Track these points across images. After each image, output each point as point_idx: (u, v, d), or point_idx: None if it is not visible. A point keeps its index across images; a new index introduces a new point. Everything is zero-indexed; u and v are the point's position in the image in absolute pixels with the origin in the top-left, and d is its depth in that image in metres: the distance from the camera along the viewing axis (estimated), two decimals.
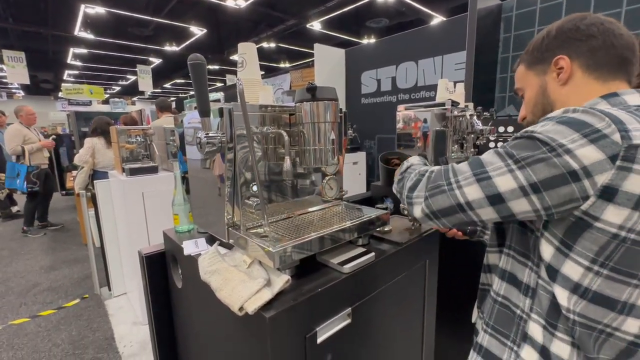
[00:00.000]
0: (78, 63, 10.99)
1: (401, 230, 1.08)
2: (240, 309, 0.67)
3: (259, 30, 8.06)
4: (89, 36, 7.75)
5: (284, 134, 0.83)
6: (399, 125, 1.67)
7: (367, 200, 1.59)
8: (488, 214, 0.51)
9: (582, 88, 0.57)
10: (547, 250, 0.51)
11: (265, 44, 8.88)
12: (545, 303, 0.53)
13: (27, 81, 6.54)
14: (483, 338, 0.67)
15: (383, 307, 0.92)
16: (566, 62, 0.58)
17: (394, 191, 0.69)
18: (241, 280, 0.72)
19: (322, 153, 0.82)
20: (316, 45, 3.61)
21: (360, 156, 3.60)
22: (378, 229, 0.99)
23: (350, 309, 0.80)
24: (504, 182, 0.48)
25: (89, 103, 10.24)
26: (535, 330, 0.55)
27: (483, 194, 0.50)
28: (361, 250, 0.89)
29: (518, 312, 0.59)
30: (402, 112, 1.66)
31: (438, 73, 3.00)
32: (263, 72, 11.13)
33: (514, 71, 0.71)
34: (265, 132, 0.85)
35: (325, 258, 0.84)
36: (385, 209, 1.12)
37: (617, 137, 0.43)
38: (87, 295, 2.69)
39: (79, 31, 7.41)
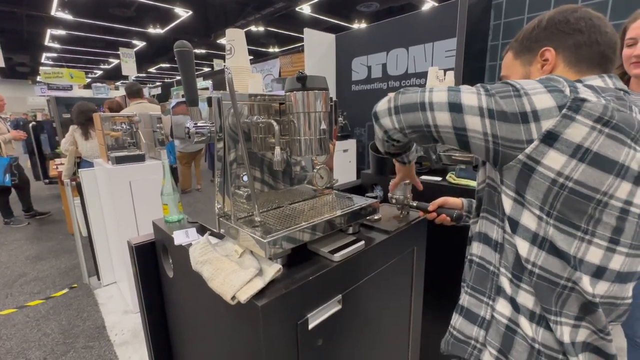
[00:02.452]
0: (56, 45, 10.50)
1: (390, 219, 1.10)
2: (233, 298, 0.68)
3: (246, 13, 7.82)
4: (67, 17, 7.38)
5: (274, 123, 0.82)
6: None
7: (358, 188, 1.61)
8: (443, 119, 0.54)
9: None
10: (507, 203, 0.54)
11: (253, 28, 8.63)
12: (510, 257, 0.56)
13: (1, 64, 6.21)
14: (464, 299, 0.70)
15: (372, 293, 0.95)
16: (551, 54, 0.60)
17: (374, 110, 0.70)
18: (233, 269, 0.73)
19: (312, 142, 0.82)
20: (306, 30, 3.53)
21: (351, 144, 3.60)
22: (368, 218, 1.01)
23: (340, 295, 0.82)
24: (469, 98, 0.52)
25: (70, 88, 9.83)
26: (505, 282, 0.58)
27: (446, 100, 0.54)
28: (351, 238, 0.91)
29: (491, 268, 0.62)
30: None
31: (429, 60, 2.99)
32: (252, 57, 10.84)
33: (502, 58, 0.72)
34: (255, 122, 0.84)
35: (316, 247, 0.86)
36: (375, 197, 1.14)
37: (567, 91, 0.48)
38: (75, 285, 2.67)
39: (56, 11, 7.03)
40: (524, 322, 0.56)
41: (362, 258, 0.89)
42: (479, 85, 0.55)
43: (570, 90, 0.48)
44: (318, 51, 3.66)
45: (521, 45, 0.65)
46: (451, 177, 1.43)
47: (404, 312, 1.15)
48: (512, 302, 0.57)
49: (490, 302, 0.62)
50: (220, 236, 0.89)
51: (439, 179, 1.47)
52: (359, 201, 0.99)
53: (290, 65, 5.54)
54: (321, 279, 0.77)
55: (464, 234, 0.80)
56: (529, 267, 0.53)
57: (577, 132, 0.46)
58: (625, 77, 1.20)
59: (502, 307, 0.59)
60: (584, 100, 0.47)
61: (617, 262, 0.51)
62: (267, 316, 0.66)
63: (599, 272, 0.51)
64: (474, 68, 2.61)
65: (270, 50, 11.48)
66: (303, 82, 0.76)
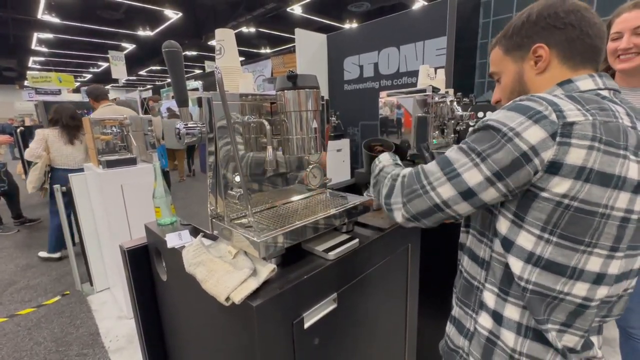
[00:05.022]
0: (44, 49, 10.33)
1: (384, 216, 1.10)
2: (227, 299, 0.67)
3: (237, 14, 7.78)
4: (54, 20, 7.27)
5: (266, 123, 0.82)
6: (382, 111, 1.68)
7: (351, 188, 1.61)
8: (464, 208, 0.55)
9: (557, 77, 0.59)
10: (503, 225, 0.55)
11: (244, 29, 8.60)
12: (498, 273, 0.59)
13: None
14: (455, 310, 0.73)
15: (368, 291, 0.95)
16: (545, 51, 0.59)
17: (371, 192, 0.70)
18: (227, 270, 0.72)
19: (304, 142, 0.82)
20: (297, 30, 3.53)
21: (344, 143, 3.61)
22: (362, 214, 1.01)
23: (336, 294, 0.82)
24: (472, 177, 0.52)
25: (58, 92, 9.68)
26: (488, 297, 0.61)
27: (456, 191, 0.53)
28: (346, 236, 0.91)
29: (475, 283, 0.65)
30: (384, 98, 1.67)
31: (420, 59, 3.01)
32: (243, 58, 10.82)
33: (489, 53, 0.71)
34: (246, 122, 0.84)
35: (310, 246, 0.85)
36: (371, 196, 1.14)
37: (553, 117, 0.48)
38: (68, 292, 2.62)
39: (42, 14, 6.92)
40: (506, 335, 0.58)
41: (357, 256, 0.89)
42: (465, 148, 0.54)
43: (557, 116, 0.48)
44: (310, 51, 3.66)
45: (511, 42, 0.64)
46: None
47: (400, 309, 1.15)
48: (495, 315, 0.60)
49: (474, 315, 0.65)
50: (213, 237, 0.89)
51: None
52: (353, 199, 0.99)
53: (282, 66, 5.53)
54: (316, 277, 0.76)
55: (459, 231, 0.80)
56: (522, 284, 0.54)
57: (577, 155, 0.46)
58: (610, 72, 1.22)
59: (484, 321, 0.62)
60: (572, 123, 0.47)
61: (615, 267, 0.52)
62: (262, 316, 0.66)
63: (598, 279, 0.52)
64: (464, 66, 2.63)
65: (262, 51, 11.45)
66: (294, 80, 0.76)
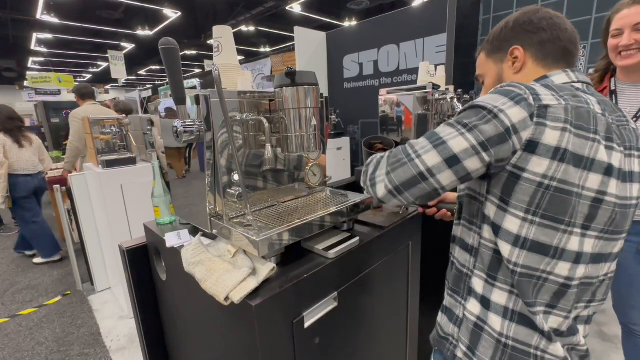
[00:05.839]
0: (43, 49, 10.31)
1: (386, 214, 1.09)
2: (226, 298, 0.67)
3: (236, 13, 7.76)
4: (54, 20, 7.25)
5: (264, 120, 0.81)
6: (382, 109, 1.67)
7: (352, 186, 1.60)
8: (447, 177, 0.55)
9: (532, 76, 0.65)
10: (491, 210, 0.58)
11: (243, 28, 8.58)
12: (486, 259, 0.61)
13: None
14: (446, 300, 0.75)
15: (369, 289, 0.94)
16: (520, 52, 0.66)
17: (362, 184, 0.70)
18: (226, 270, 0.72)
19: (304, 139, 0.81)
20: (296, 29, 3.52)
21: (344, 141, 3.60)
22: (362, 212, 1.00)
23: (336, 293, 0.82)
24: (458, 144, 0.53)
25: (58, 92, 9.67)
26: (477, 283, 0.63)
27: (441, 158, 0.54)
28: (346, 235, 0.90)
29: (465, 270, 0.67)
30: (384, 96, 1.66)
31: (419, 56, 2.99)
32: (243, 57, 10.80)
33: (475, 58, 0.77)
34: (244, 120, 0.83)
35: (310, 244, 0.85)
36: None
37: (531, 99, 0.52)
38: (69, 292, 2.62)
39: (41, 14, 6.91)
40: (494, 319, 0.60)
41: (357, 254, 0.88)
42: (452, 122, 0.56)
43: (534, 99, 0.52)
44: (309, 49, 3.65)
45: (492, 46, 0.71)
46: None
47: (401, 308, 1.15)
48: (483, 300, 0.62)
49: (463, 302, 0.67)
50: (212, 237, 0.88)
51: None
52: (353, 197, 0.99)
53: (282, 64, 5.51)
54: (316, 276, 0.76)
55: None
56: (511, 267, 0.56)
57: (552, 136, 0.50)
58: (611, 67, 1.21)
59: (472, 307, 0.64)
60: (547, 106, 0.51)
61: (589, 246, 0.55)
62: (262, 316, 0.65)
63: (577, 258, 0.55)
64: (464, 63, 2.62)
65: (262, 50, 11.42)
66: (292, 77, 0.75)
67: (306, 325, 0.74)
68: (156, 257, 1.02)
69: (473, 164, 0.53)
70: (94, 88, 3.13)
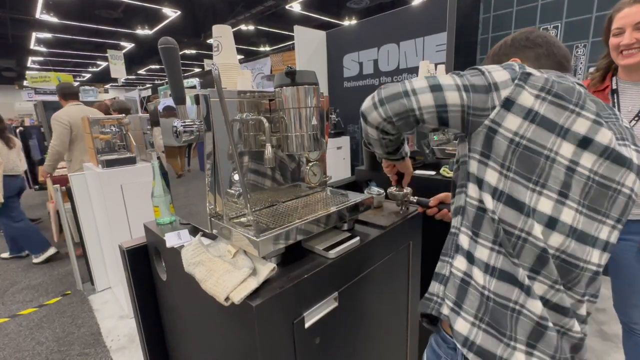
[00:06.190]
0: (42, 49, 10.31)
1: (386, 214, 1.09)
2: (227, 299, 0.66)
3: (236, 12, 7.74)
4: (53, 19, 7.24)
5: (264, 120, 0.80)
6: None
7: (352, 185, 1.60)
8: (427, 100, 0.61)
9: None
10: (474, 166, 0.62)
11: (243, 27, 8.56)
12: (471, 215, 0.64)
13: None
14: (437, 267, 0.76)
15: (369, 289, 0.94)
16: (518, 63, 0.69)
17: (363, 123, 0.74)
18: (226, 270, 0.71)
19: (304, 139, 0.81)
20: (296, 28, 3.51)
21: (344, 141, 3.60)
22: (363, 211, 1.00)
23: (336, 292, 0.81)
24: (446, 80, 0.61)
25: None
26: (463, 240, 0.65)
27: (427, 84, 0.62)
28: (346, 235, 0.90)
29: (453, 230, 0.70)
30: None
31: (419, 55, 2.99)
32: (243, 57, 10.78)
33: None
34: (244, 119, 0.83)
35: (310, 244, 0.85)
36: (379, 194, 1.14)
37: (517, 67, 0.59)
38: (69, 292, 2.62)
39: (40, 14, 6.89)
40: (477, 273, 0.62)
41: (358, 254, 0.88)
42: (451, 72, 0.64)
43: (519, 67, 0.59)
44: (309, 48, 3.64)
45: (492, 61, 0.78)
46: (445, 171, 1.43)
47: (402, 308, 1.14)
48: (469, 256, 0.64)
49: (450, 260, 0.69)
50: (212, 237, 0.88)
51: (433, 173, 1.47)
52: (353, 197, 0.98)
53: (282, 64, 5.51)
54: (316, 276, 0.76)
55: None
56: (492, 215, 0.60)
57: (527, 98, 0.56)
58: (612, 66, 1.21)
59: (459, 263, 0.66)
60: (529, 74, 0.58)
61: (568, 216, 0.57)
62: (262, 316, 0.65)
63: (551, 223, 0.57)
64: (465, 62, 2.61)
65: (261, 49, 11.40)
66: (292, 77, 0.75)
67: (306, 325, 0.74)
68: (156, 257, 1.02)
69: (452, 97, 0.59)
70: (79, 87, 3.09)
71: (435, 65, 1.99)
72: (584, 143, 0.56)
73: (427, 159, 1.58)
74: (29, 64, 12.40)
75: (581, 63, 2.26)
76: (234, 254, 0.77)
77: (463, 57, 2.58)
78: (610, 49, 1.15)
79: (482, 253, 0.61)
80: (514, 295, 0.59)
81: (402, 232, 1.06)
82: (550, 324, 0.58)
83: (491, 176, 0.59)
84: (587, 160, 0.56)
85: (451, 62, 2.53)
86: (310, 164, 1.03)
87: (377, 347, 1.04)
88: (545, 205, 0.57)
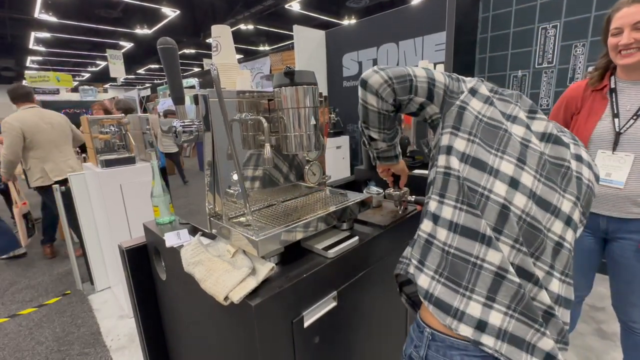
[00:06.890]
0: (41, 48, 10.28)
1: (385, 214, 1.09)
2: (226, 298, 0.67)
3: (235, 11, 7.73)
4: (52, 19, 7.23)
5: (263, 120, 0.81)
6: None
7: (351, 184, 1.60)
8: (421, 72, 0.74)
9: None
10: (446, 139, 0.71)
11: (242, 26, 8.55)
12: (439, 182, 0.71)
13: None
14: None
15: (368, 288, 0.94)
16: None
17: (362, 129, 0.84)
18: (225, 270, 0.72)
19: (303, 139, 0.81)
20: (295, 27, 3.51)
21: (344, 140, 3.59)
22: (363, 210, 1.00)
23: (335, 292, 0.82)
24: (438, 75, 0.75)
25: (57, 91, 9.65)
26: (432, 205, 0.71)
27: (425, 74, 0.74)
28: (345, 234, 0.90)
29: (426, 199, 0.76)
30: None
31: (419, 54, 2.99)
32: (242, 56, 10.76)
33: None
34: (243, 119, 0.83)
35: (309, 244, 0.85)
36: (378, 193, 1.14)
37: (480, 80, 0.77)
38: (69, 292, 2.62)
39: (39, 13, 6.88)
40: (440, 232, 0.68)
41: (357, 254, 0.88)
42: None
43: (482, 79, 0.75)
44: (308, 48, 3.64)
45: None
46: None
47: (401, 307, 1.15)
48: (434, 217, 0.69)
49: (420, 225, 0.74)
50: (212, 236, 0.88)
51: None
52: (352, 196, 0.99)
53: (281, 63, 5.50)
54: (316, 276, 0.76)
55: None
56: (458, 174, 0.67)
57: (485, 91, 0.72)
58: (611, 66, 1.21)
59: (425, 226, 0.71)
60: (483, 80, 0.75)
61: (527, 180, 0.65)
62: (261, 315, 0.65)
63: (513, 183, 0.64)
64: (464, 61, 2.61)
65: (261, 48, 11.39)
66: (291, 77, 0.75)
67: (306, 324, 0.75)
68: (156, 257, 1.02)
69: (439, 77, 0.74)
70: (30, 88, 2.81)
71: (435, 64, 1.99)
72: (510, 119, 0.70)
73: (427, 159, 1.58)
74: (28, 64, 12.38)
75: (580, 62, 2.26)
76: (233, 253, 0.78)
77: (462, 56, 2.58)
78: (609, 48, 1.15)
79: (447, 212, 0.67)
80: (474, 250, 0.63)
81: (401, 231, 1.06)
82: (510, 276, 0.61)
83: (460, 144, 0.69)
84: (517, 130, 0.68)
85: (450, 62, 2.53)
86: (310, 164, 1.03)
87: (376, 346, 1.04)
88: (506, 168, 0.65)
